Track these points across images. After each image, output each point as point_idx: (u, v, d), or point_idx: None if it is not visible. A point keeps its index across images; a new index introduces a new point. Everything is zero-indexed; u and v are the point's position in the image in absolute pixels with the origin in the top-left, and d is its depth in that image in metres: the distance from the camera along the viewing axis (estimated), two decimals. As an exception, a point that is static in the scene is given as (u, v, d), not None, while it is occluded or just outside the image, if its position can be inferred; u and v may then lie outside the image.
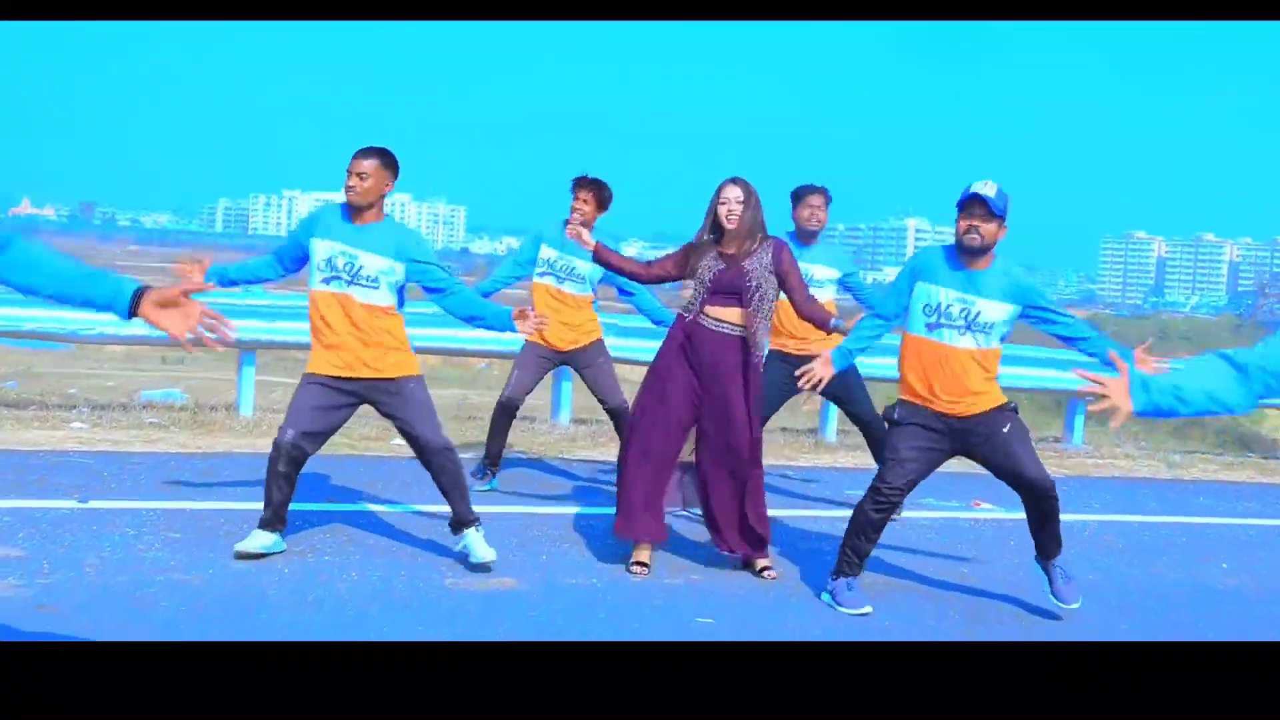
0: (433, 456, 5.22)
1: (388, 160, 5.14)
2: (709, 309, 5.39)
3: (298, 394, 5.20)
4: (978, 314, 4.96)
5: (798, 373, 5.39)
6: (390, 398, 5.19)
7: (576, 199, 6.54)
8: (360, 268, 5.09)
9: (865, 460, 7.73)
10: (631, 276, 5.74)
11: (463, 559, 5.28)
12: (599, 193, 6.54)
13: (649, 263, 5.69)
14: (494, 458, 6.85)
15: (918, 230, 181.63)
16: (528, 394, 6.86)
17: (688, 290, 5.52)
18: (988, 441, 5.06)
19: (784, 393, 6.41)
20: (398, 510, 6.19)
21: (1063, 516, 5.18)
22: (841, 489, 7.81)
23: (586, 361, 6.83)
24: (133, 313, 2.79)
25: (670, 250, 5.68)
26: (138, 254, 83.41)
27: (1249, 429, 14.16)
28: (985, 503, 7.41)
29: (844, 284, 6.84)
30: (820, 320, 5.62)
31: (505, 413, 6.77)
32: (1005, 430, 5.04)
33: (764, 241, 5.40)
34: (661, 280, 5.71)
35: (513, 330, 5.29)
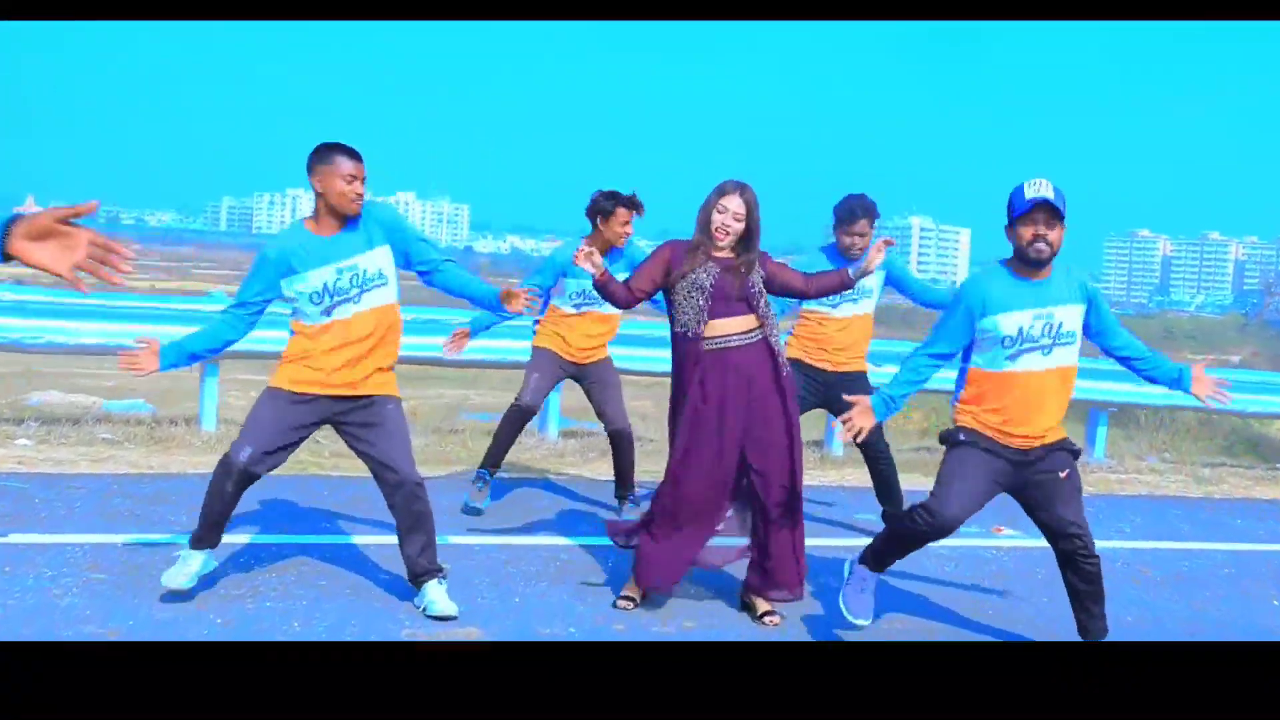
0: (402, 491, 4.58)
1: None
2: (720, 322, 4.77)
3: (260, 407, 4.57)
4: (1059, 324, 4.41)
5: (838, 423, 4.79)
6: (367, 418, 4.57)
7: (619, 220, 5.94)
8: (363, 271, 4.50)
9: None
10: (615, 303, 5.05)
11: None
12: (635, 209, 5.99)
13: (627, 287, 4.94)
14: (497, 462, 6.30)
15: (922, 229, 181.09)
16: (545, 399, 6.44)
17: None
18: (1042, 483, 4.52)
19: (802, 406, 5.75)
20: (361, 541, 5.56)
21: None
22: (851, 511, 7.20)
23: (598, 377, 6.31)
24: (6, 255, 2.22)
25: (644, 261, 5.00)
26: (141, 253, 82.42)
27: (1258, 430, 13.73)
28: (1006, 528, 6.80)
29: (889, 279, 6.29)
30: (835, 284, 5.09)
31: (522, 418, 6.27)
32: (1063, 475, 4.50)
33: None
34: (642, 301, 5.06)
35: (501, 311, 4.78)
